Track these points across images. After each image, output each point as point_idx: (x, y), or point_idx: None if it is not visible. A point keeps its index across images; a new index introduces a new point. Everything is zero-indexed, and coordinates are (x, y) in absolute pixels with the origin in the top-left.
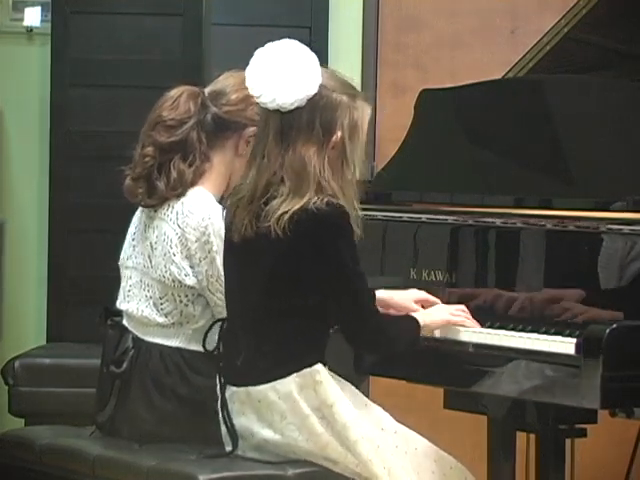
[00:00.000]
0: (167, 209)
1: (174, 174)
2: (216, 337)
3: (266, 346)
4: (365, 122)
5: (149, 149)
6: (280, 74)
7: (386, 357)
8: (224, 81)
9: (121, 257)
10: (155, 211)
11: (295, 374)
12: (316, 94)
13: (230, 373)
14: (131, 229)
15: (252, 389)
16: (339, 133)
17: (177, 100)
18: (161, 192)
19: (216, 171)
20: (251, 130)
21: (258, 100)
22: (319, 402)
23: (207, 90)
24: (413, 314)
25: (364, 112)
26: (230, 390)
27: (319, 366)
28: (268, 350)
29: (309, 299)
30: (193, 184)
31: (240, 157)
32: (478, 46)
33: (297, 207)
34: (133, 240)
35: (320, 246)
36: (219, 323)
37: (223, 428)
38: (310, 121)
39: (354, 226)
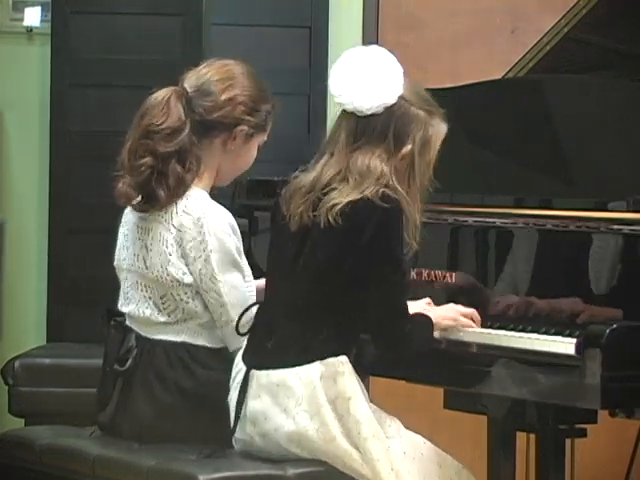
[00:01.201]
0: (161, 210)
1: (172, 182)
2: (250, 321)
3: (301, 334)
4: (438, 140)
5: (148, 159)
6: (363, 78)
7: (401, 356)
8: (206, 76)
9: (115, 259)
10: (160, 210)
11: (319, 362)
12: (394, 104)
13: (257, 356)
14: (122, 230)
15: (273, 372)
16: (409, 146)
17: (166, 105)
18: (162, 201)
19: (204, 169)
20: (239, 129)
21: (337, 100)
22: (337, 393)
23: (189, 87)
24: (425, 312)
25: (439, 130)
26: (250, 372)
27: (344, 358)
28: (301, 337)
29: (355, 289)
30: (190, 185)
31: (227, 152)
32: (478, 46)
33: (352, 198)
34: (126, 241)
35: (369, 233)
36: (256, 306)
37: (233, 411)
38: (383, 129)
39: (408, 234)
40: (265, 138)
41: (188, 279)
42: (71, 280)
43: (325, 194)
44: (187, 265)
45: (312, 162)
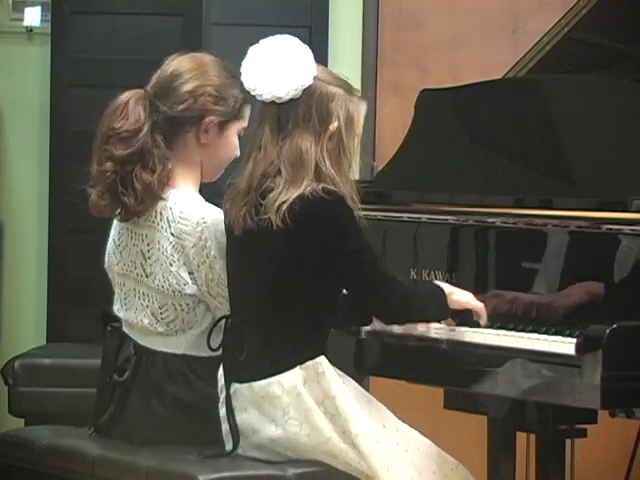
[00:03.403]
0: (155, 216)
1: (138, 186)
2: (221, 335)
3: (270, 340)
4: (361, 116)
5: (108, 164)
6: (274, 66)
7: (417, 321)
8: (168, 72)
9: (106, 261)
10: (138, 217)
11: (299, 366)
12: (311, 85)
13: (234, 369)
14: (113, 233)
15: (255, 384)
16: (335, 123)
17: (125, 108)
18: (133, 208)
19: (184, 168)
20: (208, 120)
21: (254, 93)
22: (323, 394)
23: (151, 88)
24: (439, 283)
25: (360, 106)
26: (233, 387)
27: (322, 358)
28: (272, 344)
29: (314, 288)
30: (162, 189)
31: (204, 146)
32: (478, 46)
33: (294, 196)
34: (119, 246)
35: (320, 232)
36: (224, 320)
37: (225, 426)
38: (306, 112)
39: (353, 207)
40: (244, 125)
41: (190, 290)
42: (71, 280)
43: (263, 195)
44: (191, 273)
45: (242, 162)
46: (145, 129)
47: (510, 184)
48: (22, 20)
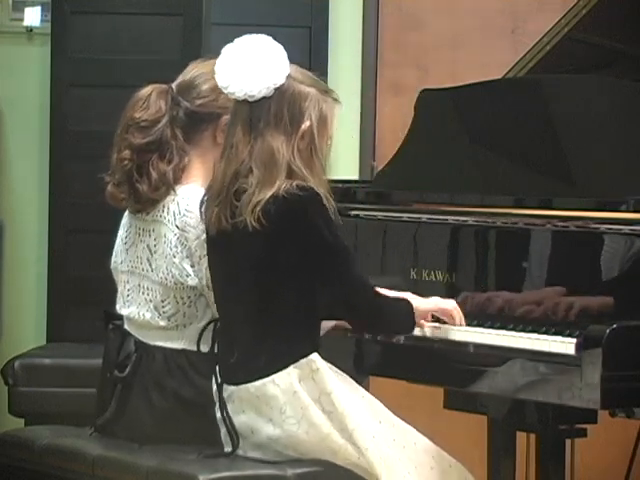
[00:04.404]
0: (162, 211)
1: (154, 175)
2: (210, 338)
3: (260, 341)
4: (334, 118)
5: (126, 152)
6: (247, 64)
7: (385, 333)
8: (191, 72)
9: (112, 261)
10: (148, 214)
11: (293, 365)
12: (284, 84)
13: (227, 372)
14: (121, 232)
15: (250, 385)
16: (307, 123)
17: (147, 100)
18: (145, 195)
19: (198, 164)
20: (226, 118)
21: (226, 91)
22: (319, 391)
23: (175, 85)
24: (404, 296)
25: (333, 108)
26: (228, 389)
27: (315, 355)
28: (263, 344)
29: (296, 286)
30: (176, 181)
31: (219, 146)
32: (478, 46)
33: (268, 196)
34: (125, 244)
35: (297, 229)
36: (212, 323)
37: (223, 429)
38: (278, 111)
39: (328, 205)
40: None
41: (192, 282)
42: (71, 280)
43: (237, 196)
44: (192, 265)
45: (216, 162)
46: (164, 120)
47: (510, 184)
48: (22, 20)
